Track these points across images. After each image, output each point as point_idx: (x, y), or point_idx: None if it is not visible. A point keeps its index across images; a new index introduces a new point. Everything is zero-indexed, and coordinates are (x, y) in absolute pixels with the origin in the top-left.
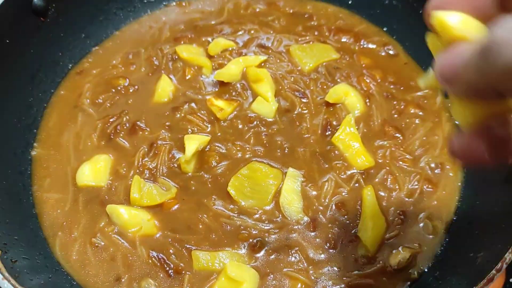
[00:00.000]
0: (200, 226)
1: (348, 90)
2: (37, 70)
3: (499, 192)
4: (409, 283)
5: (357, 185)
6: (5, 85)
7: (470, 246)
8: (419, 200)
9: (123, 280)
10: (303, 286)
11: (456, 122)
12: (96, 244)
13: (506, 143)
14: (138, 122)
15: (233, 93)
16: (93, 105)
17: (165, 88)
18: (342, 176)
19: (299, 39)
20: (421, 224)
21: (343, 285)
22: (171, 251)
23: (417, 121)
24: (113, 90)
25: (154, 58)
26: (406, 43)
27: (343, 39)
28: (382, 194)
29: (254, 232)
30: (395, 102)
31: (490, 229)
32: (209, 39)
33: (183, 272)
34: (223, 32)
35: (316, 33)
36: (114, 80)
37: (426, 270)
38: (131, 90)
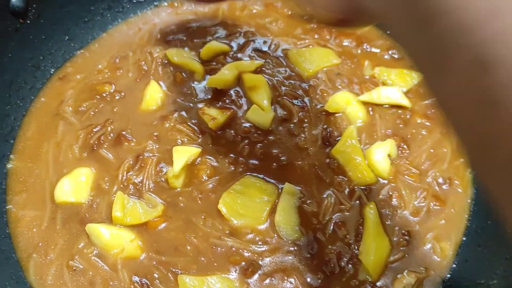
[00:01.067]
0: (188, 248)
1: (349, 98)
2: (15, 76)
3: None
4: None
5: (358, 202)
6: None
7: (482, 271)
8: (426, 219)
9: None
10: None
11: None
12: (74, 268)
13: None
14: (124, 132)
15: (227, 101)
16: (75, 113)
17: (154, 95)
18: (343, 192)
19: (298, 43)
20: (428, 246)
21: None
22: (155, 275)
23: (424, 132)
24: (98, 97)
25: (143, 62)
26: None
27: (345, 43)
28: (386, 212)
29: (246, 254)
30: (400, 111)
31: (503, 253)
32: (202, 42)
33: None
34: (217, 35)
35: (316, 36)
36: (99, 86)
37: None
38: (117, 97)
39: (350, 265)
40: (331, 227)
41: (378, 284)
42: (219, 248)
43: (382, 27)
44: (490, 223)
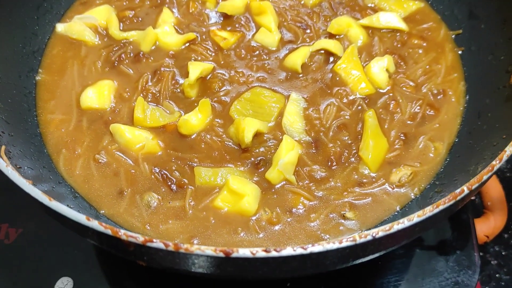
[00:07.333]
0: (203, 145)
1: (351, 22)
2: (43, 1)
3: (500, 112)
4: (409, 200)
5: (359, 108)
6: (11, 13)
7: (471, 161)
8: (421, 123)
9: (125, 193)
10: (305, 201)
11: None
12: (100, 160)
13: None
14: (142, 52)
15: (237, 25)
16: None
17: (166, 20)
18: (344, 101)
19: None
20: (422, 145)
21: (345, 200)
22: (173, 167)
23: (420, 51)
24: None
25: None
26: None
27: None
28: (384, 117)
29: (255, 150)
30: (398, 34)
31: (490, 146)
32: None
33: (185, 187)
34: None
35: None
36: (119, 12)
37: (428, 186)
38: (135, 21)
39: (351, 161)
40: (334, 129)
41: (377, 175)
42: (231, 144)
43: None
44: (479, 124)
